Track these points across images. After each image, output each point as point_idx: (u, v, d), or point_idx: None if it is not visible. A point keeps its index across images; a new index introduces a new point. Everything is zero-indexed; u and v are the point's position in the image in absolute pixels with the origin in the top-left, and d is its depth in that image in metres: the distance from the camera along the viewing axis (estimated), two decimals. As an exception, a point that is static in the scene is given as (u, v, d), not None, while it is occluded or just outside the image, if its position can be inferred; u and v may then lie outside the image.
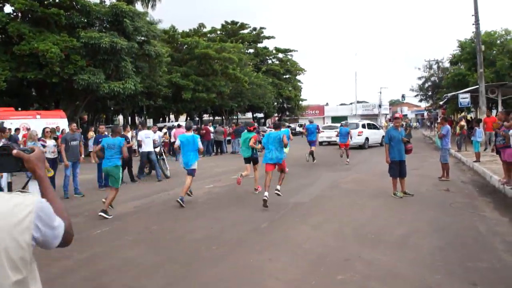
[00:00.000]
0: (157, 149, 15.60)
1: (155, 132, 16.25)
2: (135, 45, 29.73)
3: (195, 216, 9.34)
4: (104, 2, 32.06)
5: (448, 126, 13.83)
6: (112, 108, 42.45)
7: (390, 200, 10.22)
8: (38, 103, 31.53)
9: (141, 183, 14.64)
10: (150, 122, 44.85)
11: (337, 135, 21.32)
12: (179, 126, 24.37)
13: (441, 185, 12.14)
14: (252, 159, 12.80)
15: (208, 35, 56.69)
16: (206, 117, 65.16)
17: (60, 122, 24.52)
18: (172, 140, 24.94)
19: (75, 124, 14.04)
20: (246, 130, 13.28)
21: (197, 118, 61.35)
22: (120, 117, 54.42)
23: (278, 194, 10.42)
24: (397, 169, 10.76)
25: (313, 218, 8.72)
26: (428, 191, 11.39)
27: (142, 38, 31.65)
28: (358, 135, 27.24)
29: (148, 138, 15.86)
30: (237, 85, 46.15)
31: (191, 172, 10.96)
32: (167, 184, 14.32)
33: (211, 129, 28.45)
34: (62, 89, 31.11)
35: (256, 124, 16.78)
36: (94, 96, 30.33)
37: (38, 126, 17.44)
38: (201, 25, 44.85)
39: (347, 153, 19.23)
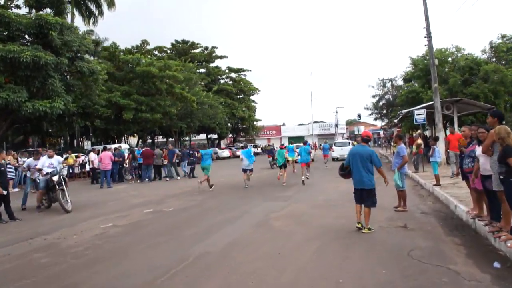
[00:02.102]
0: (55, 178, 12.61)
1: (51, 157, 13.23)
2: (65, 60, 26.55)
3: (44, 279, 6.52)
4: (31, 13, 28.94)
5: (403, 145, 11.37)
6: (49, 130, 38.84)
7: (327, 247, 7.55)
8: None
9: (24, 221, 11.52)
10: (87, 144, 41.37)
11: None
12: (104, 148, 21.48)
13: (397, 219, 9.54)
14: (283, 165, 18.84)
15: (157, 54, 54.01)
16: (160, 138, 62.03)
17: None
18: (95, 164, 21.99)
19: None
20: (279, 148, 20.36)
21: (150, 140, 58.27)
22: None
23: (308, 178, 18.87)
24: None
25: (211, 282, 5.94)
26: (381, 228, 8.67)
27: (74, 53, 28.43)
28: None
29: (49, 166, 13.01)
30: (185, 105, 43.41)
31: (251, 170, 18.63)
32: (58, 221, 11.31)
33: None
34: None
35: (284, 144, 22.26)
36: (14, 116, 26.79)
37: None
38: (144, 42, 42.01)
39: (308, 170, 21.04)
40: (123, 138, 53.11)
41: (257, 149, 62.12)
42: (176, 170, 24.05)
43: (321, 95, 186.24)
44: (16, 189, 20.52)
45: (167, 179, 22.12)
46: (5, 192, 11.32)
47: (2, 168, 11.48)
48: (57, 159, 13.32)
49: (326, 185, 17.45)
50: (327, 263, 6.49)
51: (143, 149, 23.15)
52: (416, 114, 21.54)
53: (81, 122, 32.47)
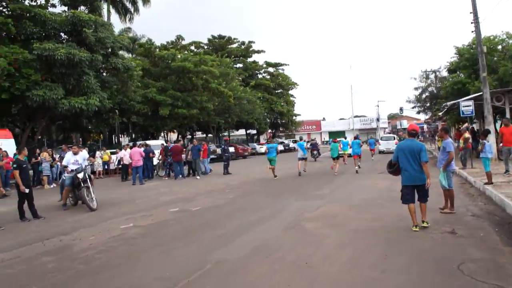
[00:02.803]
0: (80, 175, 12.12)
1: (76, 153, 12.74)
2: (99, 57, 26.39)
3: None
4: (66, 12, 28.93)
5: (450, 140, 9.88)
6: (89, 127, 39.11)
7: (362, 256, 6.58)
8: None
9: (47, 220, 11.05)
10: (126, 141, 41.43)
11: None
12: (133, 145, 21.10)
13: (444, 222, 8.38)
14: (337, 157, 21.10)
15: (194, 49, 53.74)
16: (199, 134, 61.94)
17: (6, 142, 21.13)
18: (126, 161, 21.61)
19: None
20: (332, 142, 22.68)
21: (189, 136, 58.21)
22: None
23: (359, 167, 20.84)
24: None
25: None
26: (425, 233, 7.58)
27: (108, 50, 28.30)
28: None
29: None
30: (223, 100, 42.91)
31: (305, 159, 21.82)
32: (80, 220, 10.78)
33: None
34: (25, 107, 28.06)
35: (337, 138, 24.62)
36: (52, 114, 26.87)
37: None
38: (179, 37, 41.63)
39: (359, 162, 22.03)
40: (163, 134, 53.28)
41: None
42: (196, 169, 22.55)
43: (362, 88, 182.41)
44: (53, 185, 20.41)
45: (197, 177, 21.35)
46: (27, 190, 10.91)
47: (24, 165, 11.10)
48: (82, 155, 12.83)
49: (365, 182, 16.35)
50: (361, 277, 5.53)
51: (173, 145, 22.55)
52: (463, 106, 19.94)
53: (118, 118, 32.32)
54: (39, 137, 30.17)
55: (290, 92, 68.26)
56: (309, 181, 17.93)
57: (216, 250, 7.19)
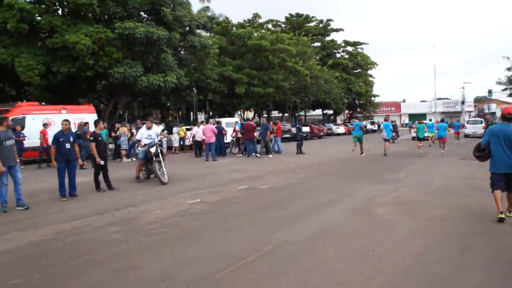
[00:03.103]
0: (152, 149, 12.29)
1: (149, 128, 12.91)
2: (177, 35, 26.89)
3: (106, 258, 5.88)
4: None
5: None
6: (168, 104, 40.16)
7: (436, 248, 5.98)
8: (77, 98, 29.49)
9: (120, 192, 11.30)
10: (202, 117, 42.03)
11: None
12: (207, 122, 21.22)
13: None
14: (423, 138, 21.09)
15: (271, 28, 53.29)
16: (275, 113, 61.80)
17: (89, 117, 22.11)
18: (199, 137, 21.78)
19: (9, 118, 10.80)
20: (417, 123, 22.98)
21: (266, 115, 58.28)
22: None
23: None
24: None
25: (278, 284, 4.77)
26: (508, 226, 6.89)
27: (185, 28, 28.69)
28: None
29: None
30: (299, 79, 42.33)
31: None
32: (150, 193, 10.92)
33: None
34: (108, 84, 29.42)
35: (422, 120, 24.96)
36: (132, 90, 27.81)
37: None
38: (256, 15, 41.28)
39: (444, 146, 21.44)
40: (240, 112, 53.72)
41: (374, 126, 59.22)
42: (268, 147, 22.09)
43: (446, 69, 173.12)
44: (133, 159, 21.09)
45: (270, 155, 21.05)
46: (102, 162, 11.21)
47: (100, 138, 11.38)
48: (155, 130, 13.00)
49: (445, 167, 15.31)
50: (432, 272, 4.98)
51: (245, 123, 22.43)
52: None
53: (195, 96, 32.84)
54: (121, 112, 31.33)
55: (369, 72, 66.08)
56: (385, 163, 17.14)
57: (280, 230, 6.89)
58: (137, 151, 13.50)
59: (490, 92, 64.19)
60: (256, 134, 22.11)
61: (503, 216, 7.08)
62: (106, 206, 9.30)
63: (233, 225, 7.38)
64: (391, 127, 32.42)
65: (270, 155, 21.22)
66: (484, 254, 5.58)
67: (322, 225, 7.20)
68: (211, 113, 46.16)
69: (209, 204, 9.31)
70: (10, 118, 19.17)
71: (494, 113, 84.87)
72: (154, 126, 13.38)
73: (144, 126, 13.30)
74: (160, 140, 13.00)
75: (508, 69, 48.56)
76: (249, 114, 57.63)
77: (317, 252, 5.77)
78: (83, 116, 21.72)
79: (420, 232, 6.63)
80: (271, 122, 25.16)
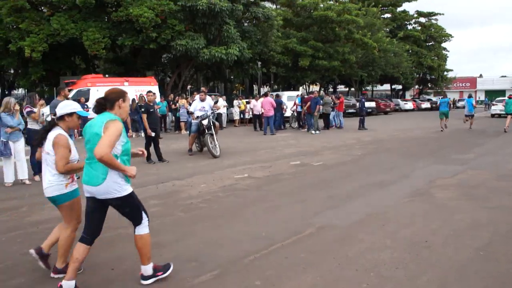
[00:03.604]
0: (205, 122, 12.05)
1: (203, 100, 12.63)
2: (239, 7, 26.40)
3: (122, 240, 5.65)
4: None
5: None
6: (232, 77, 39.99)
7: (500, 245, 5.20)
8: (142, 71, 29.92)
9: (169, 164, 11.20)
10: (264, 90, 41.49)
11: None
12: (265, 95, 20.68)
13: None
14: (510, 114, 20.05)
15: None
16: (341, 88, 60.20)
17: (151, 89, 22.38)
18: (257, 111, 21.36)
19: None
20: (508, 98, 21.14)
21: (331, 89, 56.97)
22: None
23: None
24: None
25: (311, 274, 4.32)
26: None
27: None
28: None
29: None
30: (367, 52, 40.65)
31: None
32: (199, 166, 10.70)
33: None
34: (171, 57, 29.67)
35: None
36: (194, 63, 27.79)
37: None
38: (321, -15, 39.84)
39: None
40: (305, 86, 52.74)
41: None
42: (309, 123, 20.49)
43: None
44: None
45: (313, 132, 19.68)
46: (153, 134, 11.12)
47: (152, 110, 11.28)
48: (208, 102, 12.73)
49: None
50: (494, 272, 4.26)
51: (306, 96, 21.68)
52: None
53: (258, 68, 32.38)
54: (184, 85, 31.50)
55: (443, 45, 62.34)
56: (453, 142, 15.94)
57: (324, 212, 6.37)
58: (191, 123, 13.29)
59: None
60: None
61: None
62: (152, 178, 9.17)
63: (276, 203, 6.95)
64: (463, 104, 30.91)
65: (313, 132, 19.79)
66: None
67: (371, 208, 6.58)
68: (275, 86, 45.60)
69: (256, 180, 8.94)
70: (76, 90, 20.18)
71: None
72: (208, 98, 13.11)
73: (198, 98, 13.08)
74: (213, 112, 12.71)
75: None
76: (315, 88, 56.54)
77: (360, 239, 5.20)
78: (146, 88, 22.04)
79: (484, 223, 5.85)
80: (333, 96, 24.26)
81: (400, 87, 61.47)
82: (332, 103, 22.31)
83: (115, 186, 3.76)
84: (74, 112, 4.22)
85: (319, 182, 8.61)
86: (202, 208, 6.72)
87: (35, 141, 4.55)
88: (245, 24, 30.58)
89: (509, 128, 19.70)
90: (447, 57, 63.09)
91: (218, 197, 7.45)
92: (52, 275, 4.16)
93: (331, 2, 41.43)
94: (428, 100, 54.75)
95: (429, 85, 64.87)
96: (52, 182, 4.04)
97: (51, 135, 4.04)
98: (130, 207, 3.97)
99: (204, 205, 6.92)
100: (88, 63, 32.14)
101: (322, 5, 36.52)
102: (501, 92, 70.10)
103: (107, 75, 24.34)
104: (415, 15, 59.24)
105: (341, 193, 7.64)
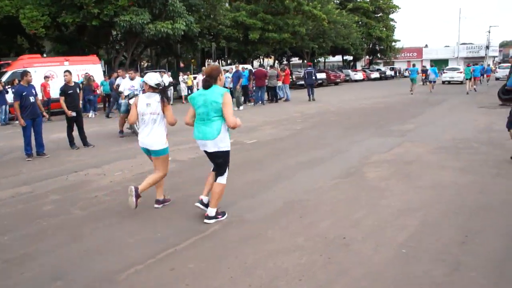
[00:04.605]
0: (132, 101, 10.82)
1: (133, 78, 11.35)
2: (185, -21, 24.72)
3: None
4: None
5: None
6: (184, 54, 38.13)
7: (428, 236, 4.46)
8: (87, 49, 27.89)
9: (95, 148, 9.98)
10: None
11: None
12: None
13: None
14: (470, 78, 24.02)
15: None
16: (295, 60, 59.04)
17: (93, 68, 20.77)
18: (199, 87, 20.14)
19: (30, 73, 9.70)
20: (466, 66, 25.98)
21: (286, 61, 55.82)
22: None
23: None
24: None
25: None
26: None
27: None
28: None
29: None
30: (317, 24, 39.54)
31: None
32: (124, 150, 9.57)
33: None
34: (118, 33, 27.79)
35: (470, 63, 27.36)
36: (140, 39, 26.03)
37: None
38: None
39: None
40: (260, 59, 51.33)
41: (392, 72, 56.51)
42: (237, 99, 18.89)
43: (472, 14, 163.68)
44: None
45: (239, 108, 18.33)
46: (74, 114, 9.85)
47: (70, 91, 9.93)
48: (138, 81, 11.46)
49: (461, 117, 13.47)
50: (409, 284, 3.39)
51: (256, 69, 20.51)
52: None
53: (207, 43, 30.85)
54: (129, 62, 29.65)
55: (391, 16, 61.89)
56: (397, 111, 15.44)
57: (237, 203, 5.44)
58: (120, 103, 12.05)
59: (516, 35, 59.89)
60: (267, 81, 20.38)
61: None
62: (67, 167, 7.99)
63: (189, 192, 5.95)
64: (423, 71, 34.92)
65: (241, 108, 18.45)
66: (495, 241, 4.05)
67: (293, 194, 5.70)
68: (229, 61, 44.06)
69: (179, 164, 7.91)
70: (11, 72, 18.33)
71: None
72: (138, 78, 11.82)
73: (128, 76, 11.79)
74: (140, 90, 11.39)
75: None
76: (270, 62, 55.20)
77: (269, 238, 4.28)
78: (87, 67, 20.45)
79: (413, 208, 5.04)
80: (279, 68, 23.27)
81: (351, 58, 60.90)
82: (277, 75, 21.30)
83: (224, 140, 4.73)
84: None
85: (245, 164, 7.63)
86: (103, 203, 5.68)
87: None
88: (193, -2, 28.88)
89: (471, 90, 24.08)
90: (395, 28, 62.81)
91: (126, 187, 6.39)
92: (155, 205, 5.42)
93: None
94: (378, 70, 54.60)
95: (379, 56, 64.67)
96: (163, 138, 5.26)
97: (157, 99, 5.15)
98: (225, 160, 4.85)
99: (108, 198, 5.88)
100: (31, 43, 29.77)
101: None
102: (445, 61, 71.01)
103: (44, 55, 22.42)
104: (365, -13, 58.32)
105: (264, 176, 6.72)
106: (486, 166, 6.93)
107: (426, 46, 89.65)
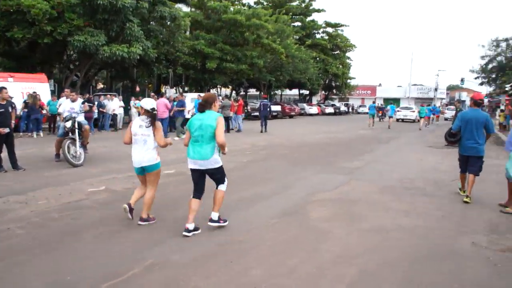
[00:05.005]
0: (68, 124, 10.14)
1: (74, 101, 10.69)
2: (144, 4, 24.31)
3: None
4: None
5: None
6: (139, 78, 37.33)
7: (369, 281, 4.17)
8: (40, 67, 26.74)
9: (26, 172, 9.19)
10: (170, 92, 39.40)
11: None
12: (161, 95, 19.02)
13: (505, 231, 5.72)
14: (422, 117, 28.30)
15: (253, 5, 50.64)
16: (252, 91, 59.26)
17: (40, 87, 19.80)
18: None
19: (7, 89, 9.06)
20: (421, 106, 30.66)
21: (243, 92, 55.98)
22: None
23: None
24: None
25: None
26: (479, 252, 4.93)
27: (155, -3, 26.12)
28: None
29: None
30: (276, 57, 39.93)
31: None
32: (57, 176, 8.87)
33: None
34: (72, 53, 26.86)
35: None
36: (93, 60, 25.24)
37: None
38: (234, -11, 38.64)
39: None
40: (219, 89, 51.06)
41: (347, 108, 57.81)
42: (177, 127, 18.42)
43: (423, 56, 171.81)
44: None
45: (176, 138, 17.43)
46: (7, 130, 9.07)
47: (2, 109, 9.17)
48: (79, 103, 10.80)
49: (409, 156, 13.64)
50: None
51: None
52: None
53: (163, 69, 30.35)
54: (82, 83, 28.66)
55: (347, 54, 63.75)
56: (347, 147, 15.47)
57: (166, 241, 5.01)
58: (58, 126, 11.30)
59: (462, 80, 63.01)
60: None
61: (462, 193, 7.57)
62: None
63: (116, 227, 5.46)
64: (379, 108, 37.22)
65: (182, 136, 16.69)
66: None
67: (227, 235, 5.31)
68: (186, 88, 43.56)
69: (112, 194, 7.35)
70: None
71: (464, 101, 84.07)
72: (79, 100, 11.17)
73: (69, 99, 11.12)
74: (79, 113, 10.69)
75: (482, 57, 46.34)
76: (227, 91, 55.13)
77: None
78: (34, 86, 19.48)
79: (353, 254, 4.78)
80: (232, 99, 23.06)
81: (307, 92, 61.85)
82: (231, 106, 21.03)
83: (217, 159, 5.24)
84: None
85: (181, 198, 7.12)
86: (16, 237, 5.08)
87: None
88: (152, 23, 28.46)
89: (423, 127, 27.40)
90: (351, 65, 64.60)
91: (49, 219, 5.80)
92: (139, 222, 5.61)
93: (245, 8, 40.51)
94: (332, 105, 55.65)
95: (334, 91, 66.06)
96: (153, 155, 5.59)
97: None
98: (221, 173, 5.42)
99: (22, 231, 5.27)
100: (-21, 57, 28.30)
101: (232, 9, 35.31)
102: (397, 100, 73.37)
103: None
104: (323, 25, 59.90)
105: (200, 212, 6.24)
106: (431, 208, 6.83)
107: (380, 85, 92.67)
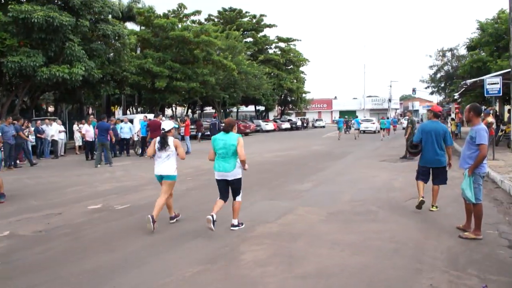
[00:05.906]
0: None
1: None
2: (85, 22, 23.21)
3: None
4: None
5: (483, 127, 6.08)
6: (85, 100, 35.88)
7: None
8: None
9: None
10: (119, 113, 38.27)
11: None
12: (103, 118, 17.96)
13: (466, 262, 5.16)
14: (383, 129, 33.27)
15: (204, 22, 50.21)
16: (209, 109, 58.53)
17: None
18: (89, 137, 18.59)
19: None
20: (381, 119, 35.60)
21: (199, 111, 55.27)
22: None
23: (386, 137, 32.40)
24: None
25: None
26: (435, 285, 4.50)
27: (96, 15, 25.06)
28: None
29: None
30: (228, 74, 39.43)
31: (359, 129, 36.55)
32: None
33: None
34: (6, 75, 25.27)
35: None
36: (32, 83, 23.85)
37: None
38: (181, 6, 37.63)
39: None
40: (173, 108, 50.02)
41: (304, 123, 57.94)
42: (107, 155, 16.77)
43: (375, 68, 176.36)
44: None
45: (109, 165, 16.34)
46: None
47: None
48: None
49: (362, 172, 13.24)
50: None
51: (151, 120, 19.18)
52: (489, 84, 16.02)
53: (111, 89, 29.19)
54: (20, 108, 27.22)
55: (301, 68, 64.16)
56: (298, 166, 15.09)
57: None
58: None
59: (414, 90, 64.63)
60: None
61: (423, 199, 7.56)
62: None
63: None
64: (345, 122, 41.15)
65: (108, 165, 16.38)
66: None
67: (133, 291, 4.52)
68: (140, 108, 42.30)
69: (16, 241, 6.40)
70: None
71: (417, 111, 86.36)
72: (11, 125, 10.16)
73: (4, 124, 10.12)
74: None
75: (430, 67, 47.68)
76: (183, 111, 54.14)
77: None
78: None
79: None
80: (179, 119, 22.28)
81: (263, 108, 61.74)
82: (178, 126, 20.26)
83: (238, 171, 6.80)
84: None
85: (95, 241, 6.30)
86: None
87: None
88: (96, 42, 27.34)
89: (384, 138, 31.78)
90: (305, 80, 65.08)
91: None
92: (170, 221, 7.37)
93: (195, 25, 39.92)
94: (289, 120, 55.67)
95: (290, 106, 66.27)
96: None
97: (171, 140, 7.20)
98: (240, 185, 6.93)
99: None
100: None
101: (180, 26, 34.61)
102: (353, 112, 74.55)
103: None
104: (275, 40, 60.17)
105: (110, 261, 5.47)
106: (384, 239, 6.21)
107: (336, 98, 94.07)
